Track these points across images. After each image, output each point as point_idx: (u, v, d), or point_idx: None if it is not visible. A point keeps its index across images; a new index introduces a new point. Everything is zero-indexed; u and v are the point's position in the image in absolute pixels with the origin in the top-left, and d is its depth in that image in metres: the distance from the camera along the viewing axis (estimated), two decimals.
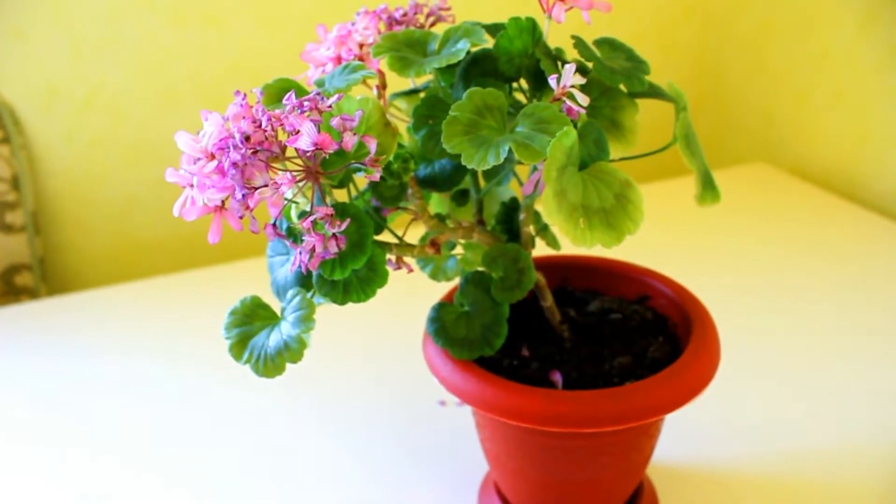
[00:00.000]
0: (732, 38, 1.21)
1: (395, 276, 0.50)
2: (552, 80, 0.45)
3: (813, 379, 0.73)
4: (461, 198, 0.54)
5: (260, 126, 0.42)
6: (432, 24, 0.55)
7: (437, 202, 0.56)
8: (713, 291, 0.86)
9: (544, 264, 0.59)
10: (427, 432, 0.68)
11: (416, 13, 0.54)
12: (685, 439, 0.66)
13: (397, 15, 0.53)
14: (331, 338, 0.77)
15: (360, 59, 0.51)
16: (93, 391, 0.76)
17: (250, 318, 0.50)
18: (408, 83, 0.54)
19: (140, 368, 0.79)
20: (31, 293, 0.99)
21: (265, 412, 0.72)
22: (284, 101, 0.43)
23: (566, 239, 0.43)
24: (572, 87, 0.45)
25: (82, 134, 1.00)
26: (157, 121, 1.03)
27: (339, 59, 0.51)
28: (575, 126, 0.47)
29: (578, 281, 0.60)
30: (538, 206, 0.50)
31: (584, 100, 0.45)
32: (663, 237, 0.96)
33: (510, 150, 0.43)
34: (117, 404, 0.74)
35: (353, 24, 0.53)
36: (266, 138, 0.43)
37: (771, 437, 0.66)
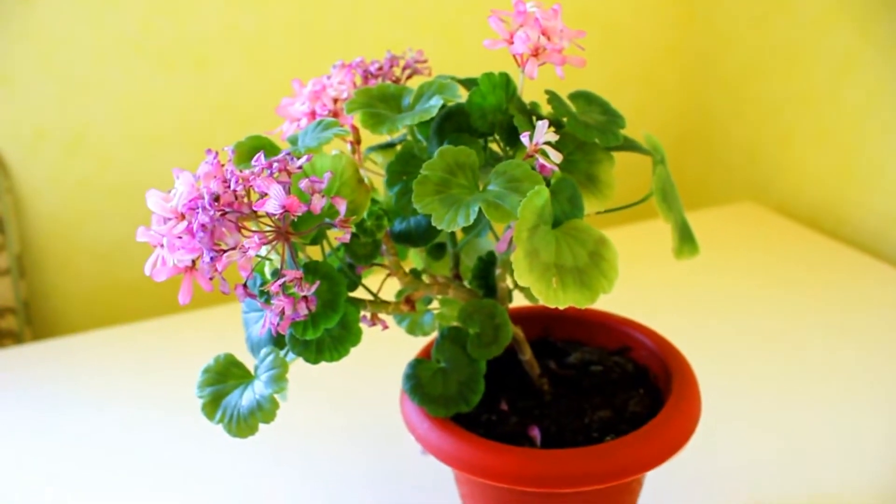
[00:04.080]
0: (717, 77, 1.22)
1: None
2: (524, 138, 0.45)
3: (799, 423, 0.72)
4: (437, 252, 0.53)
5: (230, 187, 0.42)
6: (409, 78, 0.55)
7: (416, 255, 0.56)
8: (698, 332, 0.85)
9: (524, 316, 0.59)
10: (407, 485, 0.67)
11: (392, 66, 0.54)
12: (670, 489, 0.65)
13: (372, 69, 0.53)
14: (312, 386, 0.76)
15: (335, 114, 0.51)
16: (78, 438, 0.75)
17: (224, 377, 0.50)
18: (385, 136, 0.54)
19: (127, 414, 0.78)
20: (16, 337, 0.98)
21: (248, 464, 0.71)
22: (253, 163, 0.43)
23: (539, 299, 0.42)
24: (545, 143, 0.45)
25: (68, 177, 1.00)
26: (143, 163, 1.02)
27: (313, 115, 0.51)
28: (548, 183, 0.46)
29: (559, 331, 0.60)
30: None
31: (556, 157, 0.45)
32: (648, 278, 0.95)
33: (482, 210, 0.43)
34: (102, 451, 0.73)
35: (328, 77, 0.53)
36: (236, 199, 0.43)
37: (757, 484, 0.65)
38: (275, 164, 0.42)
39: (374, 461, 0.69)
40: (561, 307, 0.42)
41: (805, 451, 0.68)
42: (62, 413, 0.79)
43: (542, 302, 0.42)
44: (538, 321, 0.60)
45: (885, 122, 0.98)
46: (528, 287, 0.42)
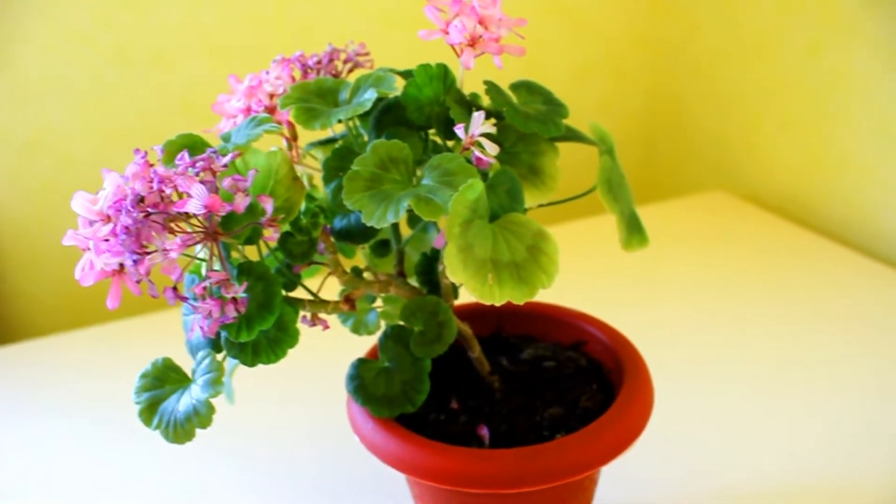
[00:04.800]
0: (685, 65, 1.21)
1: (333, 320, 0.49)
2: (459, 130, 0.44)
3: (761, 414, 0.71)
4: (381, 249, 0.52)
5: (154, 187, 0.41)
6: (350, 71, 0.54)
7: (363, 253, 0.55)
8: (665, 324, 0.84)
9: (475, 312, 0.58)
10: (360, 486, 0.65)
11: (332, 60, 0.53)
12: (628, 484, 0.64)
13: (311, 62, 0.52)
14: (266, 386, 0.75)
15: (271, 110, 0.49)
16: (43, 443, 0.73)
17: (161, 382, 0.48)
18: (326, 132, 0.53)
19: (92, 418, 0.76)
20: None
21: (207, 465, 0.69)
22: (177, 161, 0.41)
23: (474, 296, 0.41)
24: (481, 135, 0.44)
25: (27, 177, 0.98)
26: (105, 161, 1.01)
27: (249, 111, 0.50)
28: (486, 176, 0.45)
29: (513, 327, 0.59)
30: None
31: (493, 149, 0.44)
32: (618, 270, 0.94)
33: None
34: (67, 456, 0.71)
35: (267, 72, 0.52)
36: (162, 199, 0.41)
37: (715, 479, 0.64)
38: (198, 163, 0.41)
39: (328, 462, 0.68)
40: (497, 304, 0.41)
41: (765, 442, 0.67)
42: (26, 418, 0.77)
43: (478, 299, 0.41)
44: (491, 317, 0.58)
45: (849, 108, 0.97)
46: (462, 283, 0.41)
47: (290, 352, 0.60)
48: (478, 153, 0.44)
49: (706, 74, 1.17)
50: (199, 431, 0.47)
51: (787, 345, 0.81)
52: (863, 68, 0.94)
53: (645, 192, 1.31)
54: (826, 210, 1.03)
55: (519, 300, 0.42)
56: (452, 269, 0.40)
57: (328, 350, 0.65)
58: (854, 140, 0.97)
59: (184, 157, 0.41)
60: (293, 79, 0.51)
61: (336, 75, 0.53)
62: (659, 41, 1.23)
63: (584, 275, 0.93)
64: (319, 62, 0.52)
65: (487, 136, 0.44)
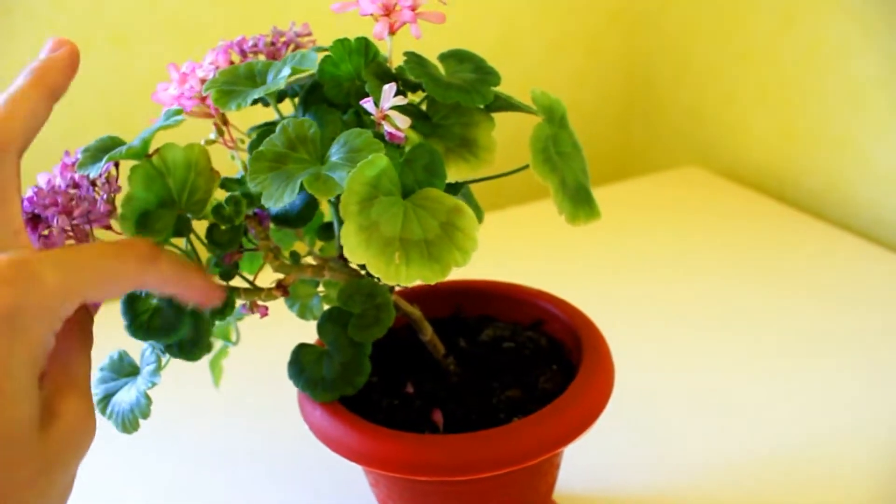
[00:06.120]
0: (659, 40, 1.16)
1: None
2: (367, 104, 0.42)
3: (732, 389, 0.67)
4: (326, 232, 0.51)
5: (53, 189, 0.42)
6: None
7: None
8: (642, 302, 0.81)
9: (432, 293, 0.56)
10: (322, 478, 0.64)
11: (274, 43, 0.52)
12: (595, 468, 0.61)
13: (247, 46, 0.51)
14: (241, 375, 0.75)
15: (203, 97, 0.49)
16: None
17: (117, 374, 0.49)
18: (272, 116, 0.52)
19: None
20: None
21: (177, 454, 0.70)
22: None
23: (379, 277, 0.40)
24: (392, 108, 0.42)
25: None
26: (67, 145, 1.00)
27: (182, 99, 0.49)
28: (402, 151, 0.43)
29: (472, 307, 0.56)
30: None
31: (403, 122, 0.42)
32: (592, 248, 0.91)
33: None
34: None
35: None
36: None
37: (685, 458, 0.61)
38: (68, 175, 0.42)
39: (291, 451, 0.67)
40: (404, 284, 0.39)
41: (737, 419, 0.64)
42: None
43: (383, 280, 0.40)
44: (449, 298, 0.56)
45: (824, 80, 0.93)
46: (365, 264, 0.39)
47: (269, 341, 0.59)
48: (388, 127, 0.42)
49: (680, 48, 1.13)
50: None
51: (762, 319, 0.77)
52: (837, 39, 0.90)
53: (620, 169, 1.27)
54: (801, 183, 0.99)
55: (429, 279, 0.40)
56: (351, 250, 0.39)
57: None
58: (829, 112, 0.93)
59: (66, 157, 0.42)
60: (231, 63, 0.51)
61: (277, 58, 0.52)
62: (632, 15, 1.19)
63: (559, 254, 0.91)
64: (255, 45, 0.51)
65: (400, 108, 0.42)
